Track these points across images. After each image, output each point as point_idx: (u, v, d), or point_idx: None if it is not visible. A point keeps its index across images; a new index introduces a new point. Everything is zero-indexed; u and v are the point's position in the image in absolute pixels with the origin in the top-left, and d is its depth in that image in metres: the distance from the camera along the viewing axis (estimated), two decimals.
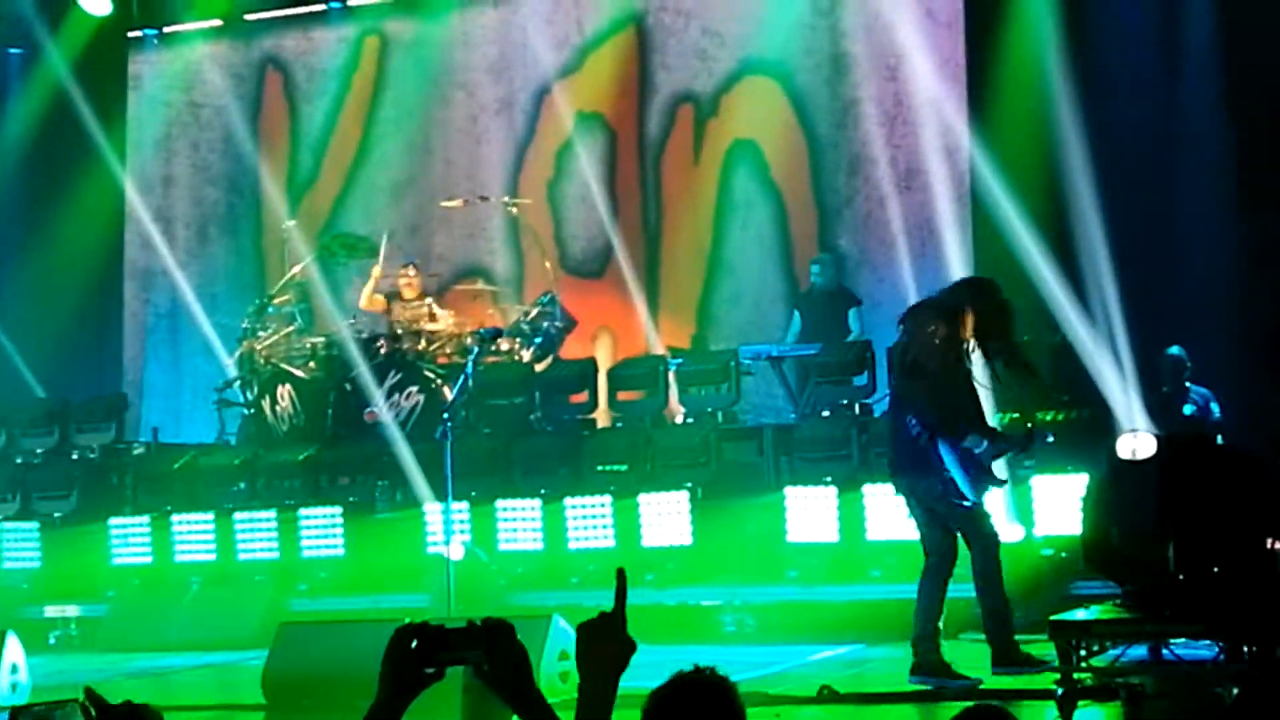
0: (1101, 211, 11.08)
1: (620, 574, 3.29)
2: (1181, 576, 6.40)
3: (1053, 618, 6.97)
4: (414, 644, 3.32)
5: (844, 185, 13.74)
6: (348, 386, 12.49)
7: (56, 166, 15.17)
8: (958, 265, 11.95)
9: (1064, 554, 9.41)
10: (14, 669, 8.55)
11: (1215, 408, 11.12)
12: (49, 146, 15.17)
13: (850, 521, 10.26)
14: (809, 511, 10.39)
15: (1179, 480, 6.58)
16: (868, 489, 10.22)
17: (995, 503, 8.99)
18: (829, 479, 10.45)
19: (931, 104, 12.95)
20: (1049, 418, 10.06)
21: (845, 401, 11.09)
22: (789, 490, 10.48)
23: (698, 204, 14.26)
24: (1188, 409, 11.07)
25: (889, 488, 9.97)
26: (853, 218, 13.70)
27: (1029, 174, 11.68)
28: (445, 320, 12.92)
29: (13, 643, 8.61)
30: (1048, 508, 9.65)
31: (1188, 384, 11.18)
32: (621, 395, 11.95)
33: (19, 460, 12.76)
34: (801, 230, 13.87)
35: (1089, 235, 10.96)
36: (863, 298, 12.95)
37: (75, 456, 12.65)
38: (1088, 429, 9.99)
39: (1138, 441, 6.87)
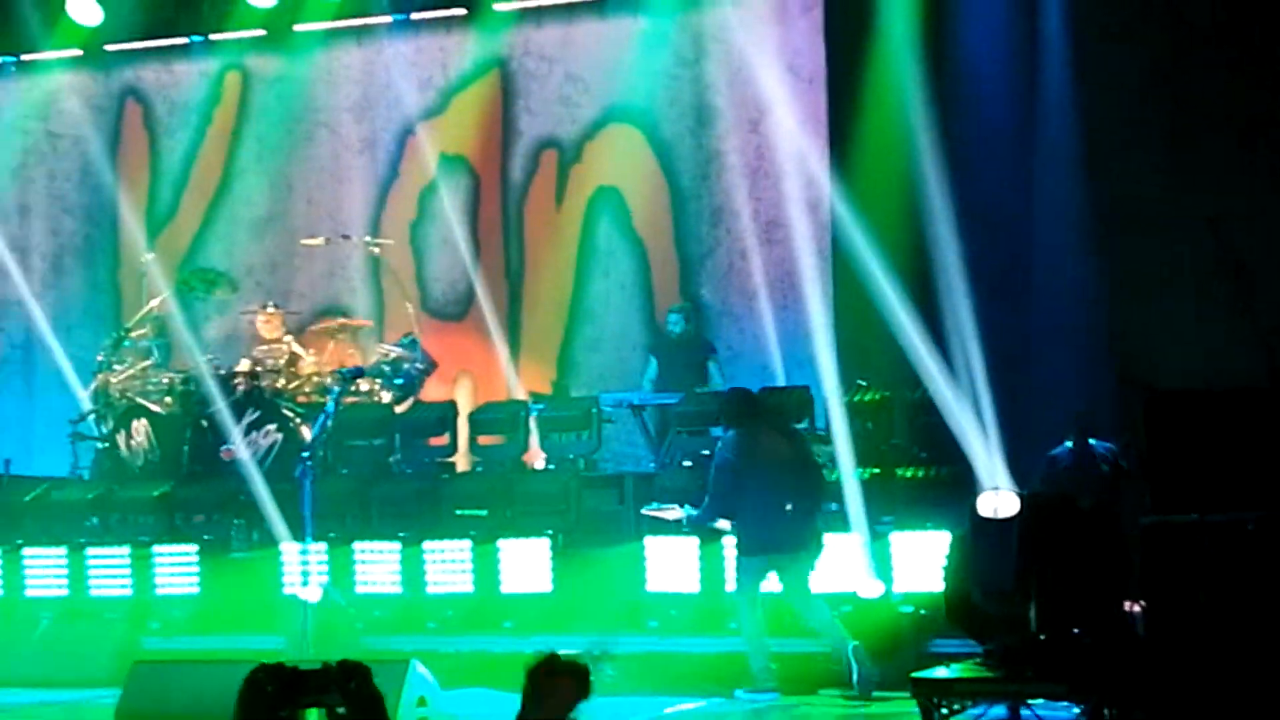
0: (965, 266, 11.29)
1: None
2: (1042, 636, 6.56)
3: (914, 675, 7.03)
4: (269, 687, 3.33)
5: (706, 235, 13.96)
6: (204, 423, 12.36)
7: None
8: (819, 317, 12.20)
9: (923, 611, 9.49)
10: None
11: (1124, 463, 11.04)
12: None
13: (711, 573, 10.26)
14: (669, 562, 10.38)
15: (1040, 539, 6.76)
16: (728, 541, 10.18)
17: (856, 558, 9.31)
18: (689, 530, 10.42)
19: (794, 158, 13.21)
20: (909, 474, 10.21)
21: (706, 451, 11.06)
22: (649, 540, 10.44)
23: (559, 249, 14.38)
24: (1104, 467, 11.07)
25: None
26: (714, 268, 13.91)
27: (891, 229, 11.87)
28: (305, 359, 12.87)
29: None
30: (907, 564, 9.71)
31: (1092, 441, 11.18)
32: (482, 439, 11.98)
33: None
34: (663, 279, 14.05)
35: (952, 290, 11.17)
36: (724, 348, 13.15)
37: None
38: (949, 486, 10.05)
39: (999, 499, 7.05)
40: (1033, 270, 12.07)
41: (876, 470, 10.19)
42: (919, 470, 10.28)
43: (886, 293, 11.25)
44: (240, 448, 12.15)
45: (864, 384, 11.00)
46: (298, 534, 11.05)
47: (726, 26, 13.80)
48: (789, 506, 9.30)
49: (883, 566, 9.72)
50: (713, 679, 9.77)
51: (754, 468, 9.35)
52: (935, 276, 11.25)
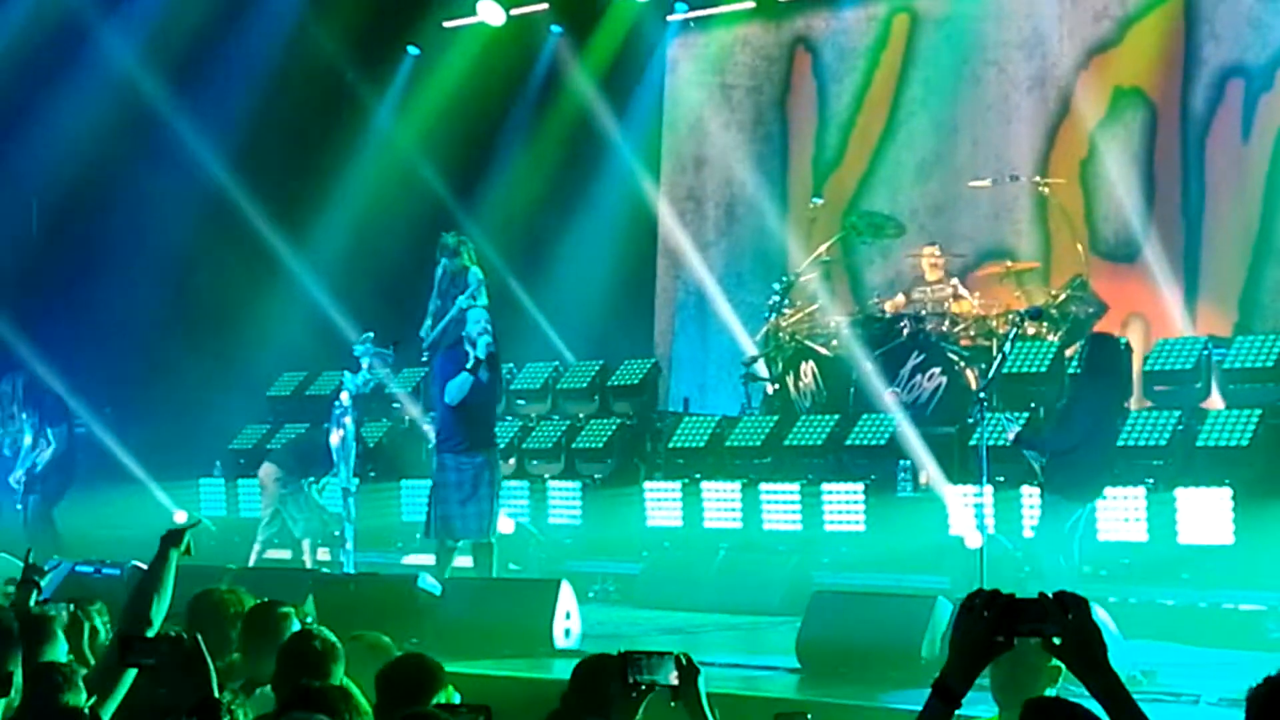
0: None
1: None
2: None
3: None
4: (986, 613, 3.33)
5: None
6: (869, 366, 12.47)
7: (600, 144, 15.84)
8: None
9: None
10: (567, 615, 9.02)
11: None
12: (593, 125, 15.85)
13: None
14: None
15: None
16: None
17: None
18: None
19: None
20: None
21: None
22: None
23: (1245, 185, 13.44)
24: None
25: None
26: None
27: None
28: (969, 302, 12.72)
29: (566, 591, 9.08)
30: None
31: None
32: (1157, 387, 11.46)
33: (564, 423, 13.40)
34: None
35: None
36: None
37: (613, 422, 13.14)
38: None
39: None
40: None
41: None
42: None
43: None
44: (903, 391, 12.20)
45: None
46: (964, 477, 10.99)
47: None
48: None
49: None
50: None
51: (1107, 414, 9.77)
52: None
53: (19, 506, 12.89)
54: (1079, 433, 9.59)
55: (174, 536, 5.39)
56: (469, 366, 10.57)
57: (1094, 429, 9.61)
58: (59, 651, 5.09)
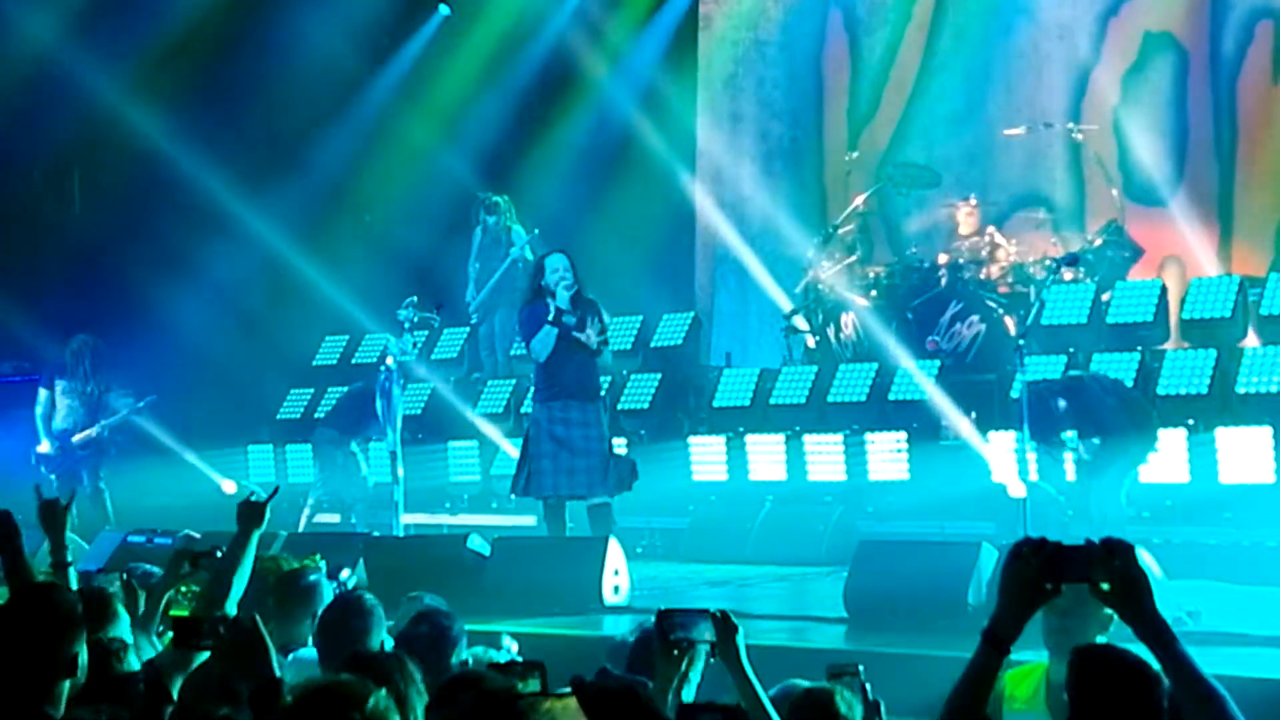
0: None
1: None
2: None
3: None
4: (1033, 560, 3.37)
5: None
6: (909, 316, 12.55)
7: (633, 102, 15.86)
8: None
9: None
10: (616, 572, 9.14)
11: None
12: (626, 82, 15.89)
13: None
14: None
15: None
16: None
17: None
18: None
19: None
20: None
21: None
22: None
23: (1277, 125, 13.44)
24: None
25: None
26: None
27: None
28: (1007, 249, 12.78)
29: (614, 547, 9.19)
30: None
31: None
32: (1194, 329, 11.52)
33: (605, 379, 13.43)
34: None
35: None
36: None
37: (655, 377, 13.16)
38: None
39: None
40: None
41: None
42: None
43: None
44: (943, 339, 12.28)
45: None
46: (1004, 423, 11.07)
47: None
48: None
49: None
50: None
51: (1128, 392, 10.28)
52: None
53: (54, 476, 12.65)
54: (1117, 413, 9.77)
55: (253, 513, 5.05)
56: (550, 319, 10.19)
57: (1124, 404, 9.78)
58: (122, 628, 4.89)
